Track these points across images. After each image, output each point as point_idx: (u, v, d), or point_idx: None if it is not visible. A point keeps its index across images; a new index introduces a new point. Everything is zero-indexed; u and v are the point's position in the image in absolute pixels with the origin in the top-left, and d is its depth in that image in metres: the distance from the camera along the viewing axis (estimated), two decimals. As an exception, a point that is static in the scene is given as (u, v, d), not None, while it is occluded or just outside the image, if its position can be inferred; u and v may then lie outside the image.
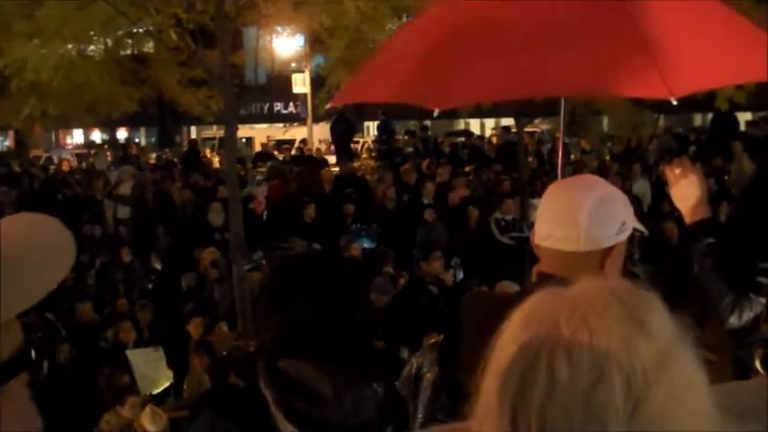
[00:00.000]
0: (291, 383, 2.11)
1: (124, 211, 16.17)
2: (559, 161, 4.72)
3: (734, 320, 2.89)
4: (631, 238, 2.51)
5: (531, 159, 18.55)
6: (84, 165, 26.78)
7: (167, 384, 8.64)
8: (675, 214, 3.02)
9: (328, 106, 6.45)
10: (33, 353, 1.00)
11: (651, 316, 1.11)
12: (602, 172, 16.80)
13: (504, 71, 4.03)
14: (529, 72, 3.96)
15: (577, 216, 2.37)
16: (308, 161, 20.28)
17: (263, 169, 19.69)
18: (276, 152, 27.00)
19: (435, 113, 4.20)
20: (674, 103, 3.97)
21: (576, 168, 16.77)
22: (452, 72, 4.15)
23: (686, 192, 3.05)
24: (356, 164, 21.61)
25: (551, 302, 1.13)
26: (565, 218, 2.39)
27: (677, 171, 3.07)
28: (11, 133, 31.29)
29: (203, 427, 2.20)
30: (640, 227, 2.53)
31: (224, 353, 8.05)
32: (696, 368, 1.12)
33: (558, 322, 1.09)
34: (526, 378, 1.07)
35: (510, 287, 8.73)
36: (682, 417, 1.07)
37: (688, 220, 3.06)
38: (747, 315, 2.87)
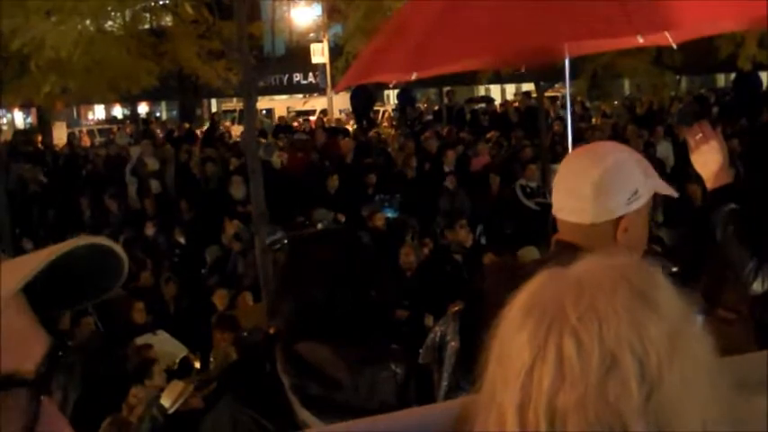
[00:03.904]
0: (307, 368, 2.09)
1: (156, 185, 16.26)
2: (568, 126, 4.73)
3: (757, 286, 2.86)
4: (654, 202, 2.48)
5: (556, 126, 18.43)
6: (105, 140, 27.05)
7: (183, 355, 8.71)
8: (699, 176, 3.00)
9: (336, 91, 6.48)
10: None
11: (659, 295, 1.08)
12: (623, 136, 16.72)
13: (504, 27, 4.11)
14: (527, 24, 4.05)
15: (584, 187, 2.34)
16: (330, 131, 20.24)
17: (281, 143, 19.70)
18: (296, 123, 27.03)
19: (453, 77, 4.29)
20: (674, 47, 4.14)
21: (594, 133, 16.70)
22: (455, 34, 4.20)
23: (707, 157, 3.02)
24: (377, 132, 21.56)
25: (555, 285, 1.09)
26: (574, 189, 2.37)
27: (698, 136, 3.04)
28: (33, 110, 31.44)
29: (223, 413, 2.19)
30: (667, 190, 2.49)
31: (245, 333, 8.08)
32: (705, 347, 1.09)
33: (564, 307, 1.05)
34: (534, 369, 1.04)
35: (533, 253, 8.72)
36: (696, 399, 1.05)
37: (710, 185, 3.03)
38: (771, 281, 2.84)
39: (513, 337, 1.07)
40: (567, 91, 5.51)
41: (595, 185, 2.32)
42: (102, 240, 1.02)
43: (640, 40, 4.31)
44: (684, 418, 1.04)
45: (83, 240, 1.01)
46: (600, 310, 1.04)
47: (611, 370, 1.02)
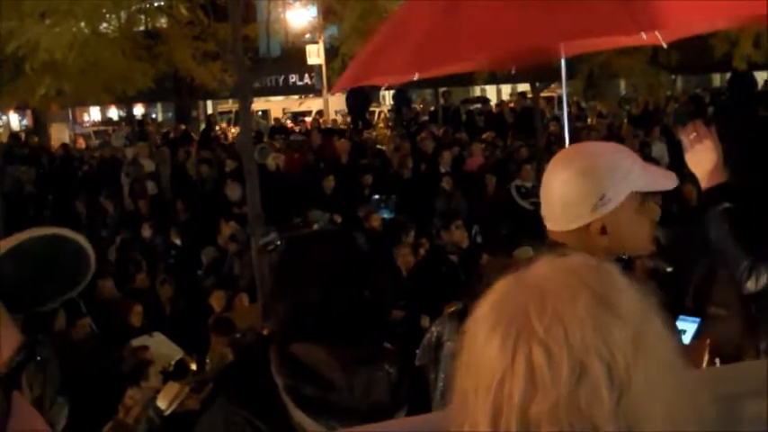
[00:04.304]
0: (301, 369, 2.09)
1: (152, 187, 16.25)
2: (565, 126, 4.74)
3: (751, 285, 2.87)
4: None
5: (552, 126, 18.44)
6: (101, 142, 27.05)
7: (180, 357, 8.70)
8: (695, 176, 3.01)
9: (332, 93, 6.47)
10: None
11: (619, 297, 1.09)
12: (618, 136, 16.74)
13: (506, 25, 4.12)
14: (523, 23, 4.06)
15: (551, 197, 2.36)
16: (326, 132, 20.24)
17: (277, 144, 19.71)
18: (291, 124, 27.05)
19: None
20: (665, 46, 4.18)
21: (590, 133, 16.72)
22: (456, 35, 4.19)
23: (701, 156, 3.02)
24: (372, 133, 21.56)
25: (517, 294, 1.10)
26: (545, 198, 2.39)
27: (692, 135, 3.04)
28: (28, 112, 31.41)
29: (217, 414, 2.19)
30: (657, 185, 2.44)
31: (237, 335, 8.07)
32: (669, 345, 1.11)
33: (529, 318, 1.06)
34: (504, 380, 1.05)
35: (529, 253, 8.71)
36: (662, 398, 1.06)
37: (704, 185, 3.03)
38: (764, 279, 2.85)
39: (482, 349, 1.08)
40: (564, 90, 5.50)
41: (558, 195, 2.33)
42: (64, 231, 1.03)
43: (644, 36, 4.31)
44: (653, 418, 1.05)
45: (43, 230, 1.01)
46: (565, 318, 1.05)
47: (581, 377, 1.03)
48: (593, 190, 2.29)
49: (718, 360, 3.80)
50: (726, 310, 3.84)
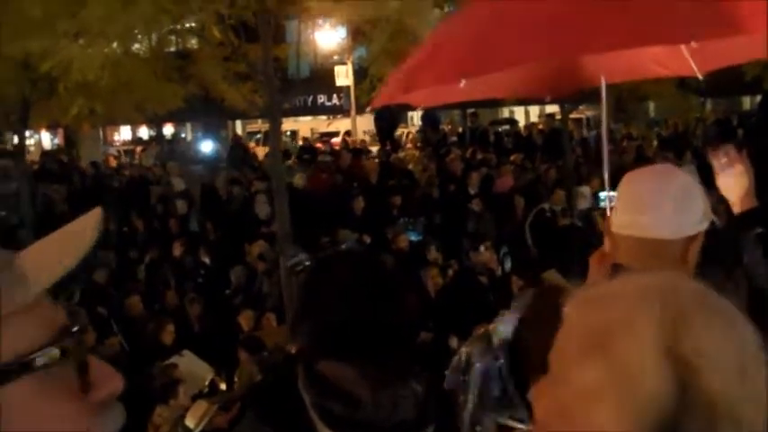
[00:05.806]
0: (328, 386, 2.11)
1: (182, 206, 16.34)
2: (604, 147, 4.69)
3: (786, 310, 2.85)
4: None
5: (579, 148, 18.40)
6: (131, 161, 27.24)
7: (211, 377, 8.73)
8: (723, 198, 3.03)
9: (368, 110, 6.43)
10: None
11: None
12: (648, 158, 16.65)
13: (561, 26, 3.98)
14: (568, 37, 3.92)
15: (663, 202, 2.37)
16: (355, 153, 20.28)
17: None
18: (319, 144, 27.16)
19: None
20: (700, 78, 4.16)
21: (621, 156, 16.65)
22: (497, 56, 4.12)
23: (733, 181, 3.00)
24: (401, 154, 21.59)
25: (686, 296, 1.16)
26: (650, 204, 2.39)
27: (723, 160, 3.03)
28: (60, 131, 31.70)
29: (245, 431, 2.22)
30: (714, 218, 2.52)
31: (265, 354, 8.09)
32: None
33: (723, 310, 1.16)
34: (746, 367, 1.12)
35: (556, 277, 8.66)
36: None
37: (736, 209, 3.01)
38: (800, 305, 2.83)
39: (712, 344, 1.13)
40: (604, 116, 5.33)
41: (673, 200, 2.37)
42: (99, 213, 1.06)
43: (693, 45, 4.16)
44: None
45: (95, 216, 1.04)
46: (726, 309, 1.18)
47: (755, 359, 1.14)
48: (698, 204, 2.40)
49: None
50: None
